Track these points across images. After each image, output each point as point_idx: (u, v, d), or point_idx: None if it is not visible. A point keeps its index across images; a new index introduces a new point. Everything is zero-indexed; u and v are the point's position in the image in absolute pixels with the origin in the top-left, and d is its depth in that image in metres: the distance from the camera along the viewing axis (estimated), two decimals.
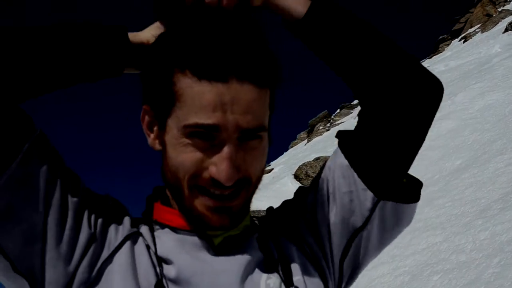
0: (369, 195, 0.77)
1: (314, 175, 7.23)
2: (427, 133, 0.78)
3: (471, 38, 20.74)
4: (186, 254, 0.72)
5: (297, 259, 0.78)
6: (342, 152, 0.79)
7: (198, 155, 0.67)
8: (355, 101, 22.73)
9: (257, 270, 0.74)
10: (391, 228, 0.80)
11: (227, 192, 0.69)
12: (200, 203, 0.70)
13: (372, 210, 0.77)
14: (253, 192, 0.74)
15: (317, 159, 7.74)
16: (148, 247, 0.73)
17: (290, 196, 0.91)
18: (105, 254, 0.70)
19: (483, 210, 3.74)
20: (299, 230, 0.83)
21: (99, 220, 0.71)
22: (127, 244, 0.72)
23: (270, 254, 0.77)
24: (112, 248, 0.71)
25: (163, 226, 0.75)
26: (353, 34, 0.76)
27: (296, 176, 7.60)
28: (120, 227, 0.74)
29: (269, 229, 0.83)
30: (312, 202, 0.83)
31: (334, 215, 0.80)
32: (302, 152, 14.65)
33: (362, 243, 0.80)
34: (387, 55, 0.76)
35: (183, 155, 0.68)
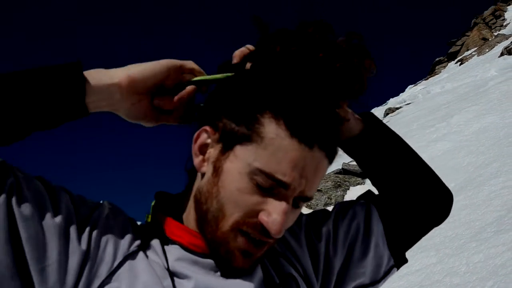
0: (391, 261, 0.87)
1: None
2: (441, 223, 0.92)
3: (467, 61, 20.97)
4: (197, 272, 0.70)
5: (300, 282, 0.79)
6: (380, 218, 0.87)
7: (255, 199, 0.67)
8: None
9: None
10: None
11: (264, 239, 0.69)
12: (236, 242, 0.69)
13: (386, 273, 0.88)
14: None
15: None
16: (153, 262, 0.70)
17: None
18: (102, 272, 0.66)
19: (477, 232, 3.74)
20: (298, 252, 0.84)
21: (93, 235, 0.67)
22: (128, 263, 0.68)
23: (270, 277, 0.77)
24: (112, 267, 0.67)
25: (172, 242, 0.73)
26: (394, 156, 0.87)
27: None
28: (121, 242, 0.70)
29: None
30: (331, 236, 0.86)
31: (353, 260, 0.86)
32: None
33: None
34: (420, 175, 0.88)
35: (240, 194, 0.67)
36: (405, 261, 0.89)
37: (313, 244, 0.85)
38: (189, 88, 0.74)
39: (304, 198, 0.70)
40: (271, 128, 0.66)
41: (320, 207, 6.87)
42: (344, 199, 6.93)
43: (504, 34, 22.68)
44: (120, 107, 0.71)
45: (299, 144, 0.66)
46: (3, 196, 0.60)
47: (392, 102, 19.07)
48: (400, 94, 20.73)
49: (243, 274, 0.73)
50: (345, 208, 0.89)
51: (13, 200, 0.61)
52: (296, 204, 0.71)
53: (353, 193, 6.97)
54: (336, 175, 7.67)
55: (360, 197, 0.91)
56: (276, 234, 0.67)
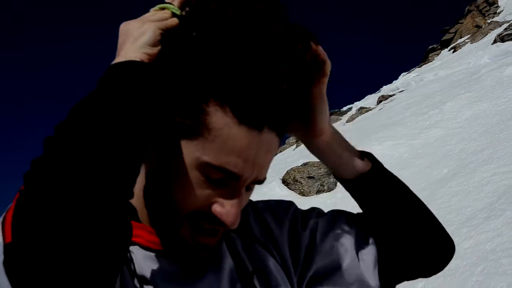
0: None
1: (302, 180, 7.27)
2: (431, 275, 0.86)
3: (461, 48, 21.00)
4: (161, 273, 0.67)
5: (275, 271, 0.76)
6: (376, 245, 0.82)
7: (206, 192, 0.63)
8: (344, 108, 22.82)
9: (234, 282, 0.72)
10: None
11: (218, 228, 0.66)
12: (191, 237, 0.66)
13: None
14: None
15: (305, 164, 7.74)
16: (127, 265, 0.65)
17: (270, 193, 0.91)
18: None
19: (468, 218, 3.78)
20: (278, 238, 0.81)
21: None
22: None
23: (242, 264, 0.75)
24: None
25: (132, 243, 0.67)
26: (395, 200, 0.82)
27: (284, 181, 7.59)
28: None
29: (240, 231, 0.80)
30: (316, 248, 0.82)
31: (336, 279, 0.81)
32: (290, 157, 14.67)
33: None
34: (418, 219, 0.82)
35: (191, 188, 0.63)
36: None
37: (296, 233, 0.82)
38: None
39: (257, 182, 0.67)
40: (217, 118, 0.61)
41: (312, 194, 6.89)
42: (337, 186, 6.94)
43: (497, 21, 22.68)
44: None
45: (249, 131, 0.61)
46: None
47: (385, 90, 19.10)
48: (394, 82, 20.77)
49: (208, 267, 0.71)
50: (341, 218, 0.85)
51: None
52: (248, 187, 0.67)
53: None
54: None
55: (359, 218, 0.86)
56: (232, 225, 0.64)
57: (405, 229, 0.81)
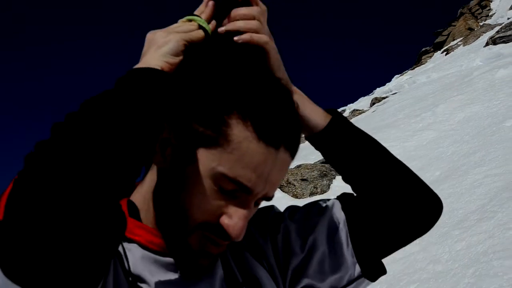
0: (357, 269, 0.80)
1: (295, 182, 7.28)
2: (424, 234, 0.84)
3: (453, 51, 21.12)
4: (158, 274, 0.68)
5: (266, 281, 0.77)
6: (348, 221, 0.81)
7: (217, 202, 0.65)
8: (338, 110, 22.87)
9: None
10: None
11: (222, 243, 0.67)
12: (196, 244, 0.67)
13: (353, 281, 0.81)
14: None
15: (298, 166, 7.75)
16: (118, 262, 0.65)
17: (271, 202, 0.92)
18: None
19: (460, 220, 3.79)
20: (264, 247, 0.82)
21: None
22: None
23: (232, 275, 0.75)
24: None
25: (129, 241, 0.69)
26: (364, 151, 0.82)
27: None
28: None
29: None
30: (292, 232, 0.83)
31: (313, 263, 0.81)
32: None
33: None
34: (393, 172, 0.82)
35: (203, 197, 0.64)
36: (382, 271, 0.83)
37: (274, 238, 0.83)
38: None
39: (266, 198, 0.69)
40: (238, 131, 0.62)
41: (305, 196, 6.89)
42: (330, 188, 6.97)
43: (489, 24, 22.86)
44: None
45: (266, 147, 0.63)
46: None
47: (378, 92, 19.19)
48: (387, 84, 20.87)
49: (204, 274, 0.71)
50: (313, 207, 0.86)
51: None
52: (256, 203, 0.69)
53: (339, 182, 7.00)
54: (322, 164, 7.69)
55: (336, 198, 0.87)
56: (237, 238, 0.65)
57: (377, 181, 0.81)
